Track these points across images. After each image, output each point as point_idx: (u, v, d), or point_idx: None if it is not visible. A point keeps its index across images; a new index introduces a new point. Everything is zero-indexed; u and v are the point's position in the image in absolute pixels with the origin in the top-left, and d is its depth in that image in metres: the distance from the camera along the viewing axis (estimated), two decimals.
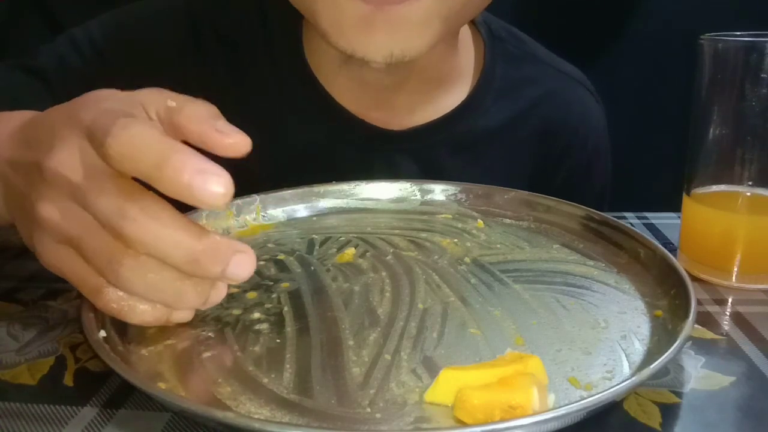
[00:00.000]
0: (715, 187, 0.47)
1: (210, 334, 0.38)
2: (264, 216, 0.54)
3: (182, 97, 0.36)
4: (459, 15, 0.53)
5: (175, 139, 0.32)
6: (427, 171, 0.64)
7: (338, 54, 0.60)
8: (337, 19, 0.50)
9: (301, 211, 0.56)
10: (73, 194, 0.33)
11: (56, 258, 0.34)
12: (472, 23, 0.68)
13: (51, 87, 0.61)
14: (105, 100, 0.35)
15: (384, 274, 0.45)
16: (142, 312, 0.35)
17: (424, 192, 0.58)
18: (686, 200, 0.49)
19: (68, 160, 0.33)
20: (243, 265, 0.33)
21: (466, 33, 0.67)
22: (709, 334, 0.40)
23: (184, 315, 0.37)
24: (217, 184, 0.30)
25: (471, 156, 0.66)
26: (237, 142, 0.33)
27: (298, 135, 0.64)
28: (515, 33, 0.70)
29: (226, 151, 0.33)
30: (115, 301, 0.34)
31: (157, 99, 0.35)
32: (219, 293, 0.36)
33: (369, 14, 0.48)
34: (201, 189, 0.29)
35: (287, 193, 0.56)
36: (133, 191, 0.32)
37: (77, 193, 0.33)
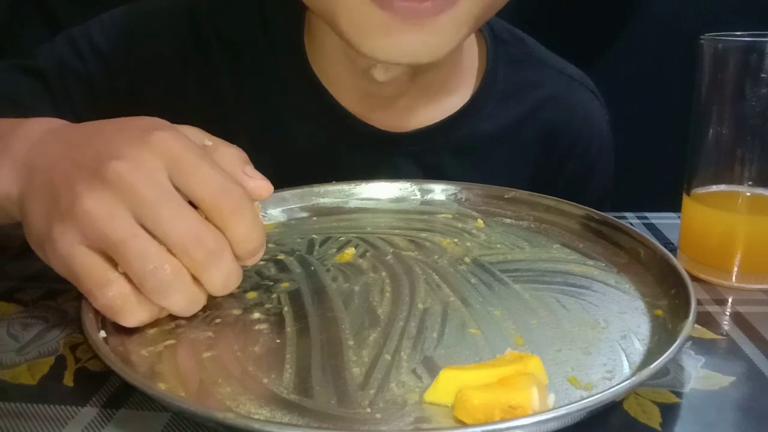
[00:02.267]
0: (715, 187, 0.47)
1: (210, 334, 0.38)
2: (264, 216, 0.54)
3: (217, 139, 0.40)
4: (487, 15, 0.53)
5: None
6: (428, 174, 0.63)
7: (347, 63, 0.59)
8: (360, 23, 0.49)
9: (301, 211, 0.56)
10: (133, 202, 0.34)
11: (72, 254, 0.35)
12: None
13: (50, 87, 0.61)
14: (167, 128, 0.37)
15: (384, 274, 0.45)
16: (139, 312, 0.36)
17: (424, 192, 0.58)
18: (686, 200, 0.49)
19: (139, 171, 0.34)
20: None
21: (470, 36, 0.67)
22: (709, 334, 0.40)
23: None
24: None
25: (473, 159, 0.66)
26: (259, 187, 0.38)
27: (299, 136, 0.64)
28: (518, 35, 0.70)
29: (249, 194, 0.37)
30: (120, 297, 0.35)
31: (197, 136, 0.39)
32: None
33: (398, 21, 0.47)
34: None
35: (287, 193, 0.56)
36: (206, 222, 0.35)
37: (141, 203, 0.34)
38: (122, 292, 0.35)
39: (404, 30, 0.48)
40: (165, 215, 0.34)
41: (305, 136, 0.64)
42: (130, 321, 0.36)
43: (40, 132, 0.40)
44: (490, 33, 0.67)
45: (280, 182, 0.56)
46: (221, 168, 0.37)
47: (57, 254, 0.35)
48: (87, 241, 0.34)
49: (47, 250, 0.36)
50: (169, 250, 0.35)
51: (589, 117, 0.71)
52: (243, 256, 0.37)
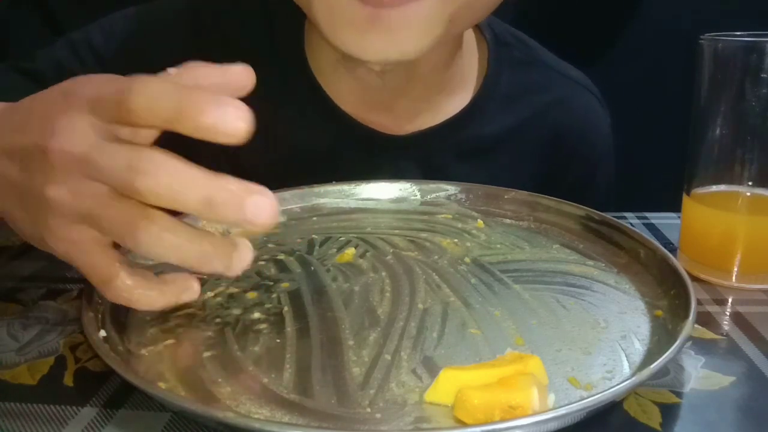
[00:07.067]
0: (715, 187, 0.47)
1: (210, 334, 0.38)
2: None
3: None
4: (464, 16, 0.53)
5: None
6: (431, 177, 0.63)
7: (336, 53, 0.60)
8: (334, 17, 0.49)
9: (301, 211, 0.56)
10: (82, 169, 0.33)
11: (69, 244, 0.34)
12: (477, 27, 0.67)
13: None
14: (97, 78, 0.36)
15: (384, 274, 0.45)
16: (152, 299, 0.35)
17: (424, 192, 0.58)
18: (686, 200, 0.49)
19: (73, 136, 0.33)
20: (262, 207, 0.31)
21: (470, 38, 0.66)
22: (709, 334, 0.40)
23: (192, 294, 0.37)
24: (236, 117, 0.31)
25: (476, 162, 0.66)
26: (240, 73, 0.38)
27: (300, 138, 0.64)
28: (521, 38, 0.70)
29: (237, 80, 0.38)
30: (126, 290, 0.35)
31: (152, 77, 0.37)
32: (242, 257, 0.35)
33: (367, 15, 0.48)
34: (222, 120, 0.31)
35: (287, 193, 0.56)
36: (140, 148, 0.33)
37: (86, 166, 0.33)
38: (127, 284, 0.34)
39: (375, 30, 0.48)
40: (102, 165, 0.32)
41: (307, 139, 0.64)
42: (144, 307, 0.35)
43: None
44: (492, 36, 0.67)
45: (281, 184, 0.57)
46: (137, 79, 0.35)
47: (56, 250, 0.35)
48: (74, 223, 0.34)
49: (46, 246, 0.36)
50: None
51: (593, 119, 0.71)
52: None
